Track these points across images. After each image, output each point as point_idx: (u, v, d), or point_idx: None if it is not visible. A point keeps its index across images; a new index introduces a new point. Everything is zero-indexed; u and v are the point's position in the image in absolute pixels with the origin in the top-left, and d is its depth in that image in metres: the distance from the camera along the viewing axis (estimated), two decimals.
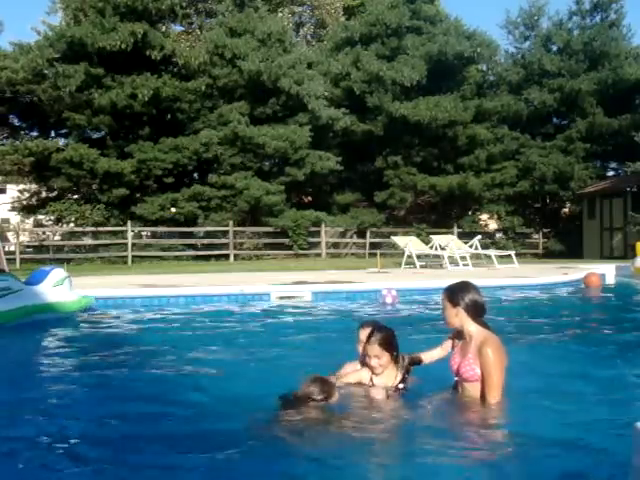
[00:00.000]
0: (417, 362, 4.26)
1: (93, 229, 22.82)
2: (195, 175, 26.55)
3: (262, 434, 3.58)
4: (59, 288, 8.39)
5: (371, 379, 4.10)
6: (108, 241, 22.47)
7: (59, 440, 3.59)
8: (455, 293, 3.92)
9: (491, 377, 3.71)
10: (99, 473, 3.18)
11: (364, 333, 4.19)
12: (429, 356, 4.28)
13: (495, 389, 3.71)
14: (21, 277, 8.85)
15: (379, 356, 4.03)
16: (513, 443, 3.57)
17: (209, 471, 3.15)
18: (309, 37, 35.73)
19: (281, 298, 10.42)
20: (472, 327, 3.85)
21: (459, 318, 3.86)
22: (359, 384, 4.11)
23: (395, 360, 4.11)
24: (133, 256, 22.03)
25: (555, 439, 3.54)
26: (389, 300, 9.90)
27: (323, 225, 24.79)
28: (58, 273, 8.59)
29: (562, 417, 3.93)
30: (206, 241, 23.73)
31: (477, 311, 3.87)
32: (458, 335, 4.03)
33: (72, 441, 3.58)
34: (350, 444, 3.47)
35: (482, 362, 3.72)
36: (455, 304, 3.86)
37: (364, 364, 4.15)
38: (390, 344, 4.07)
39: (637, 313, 9.99)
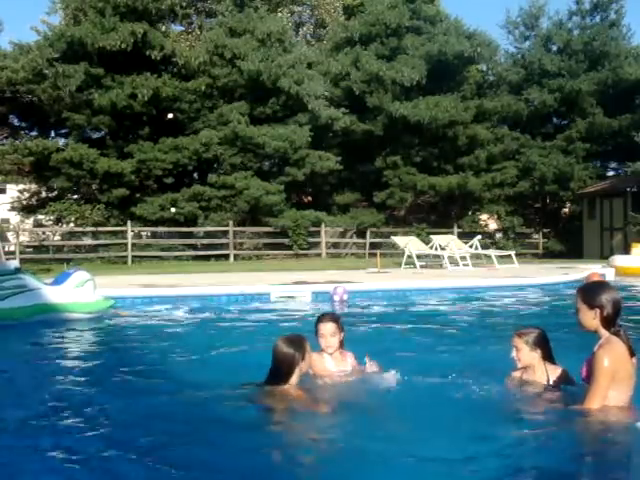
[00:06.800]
0: None
1: (93, 229, 22.77)
2: (195, 175, 26.53)
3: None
4: (79, 290, 8.67)
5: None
6: (108, 241, 22.43)
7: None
8: (593, 293, 3.70)
9: (595, 382, 3.51)
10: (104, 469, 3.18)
11: (324, 327, 4.55)
12: None
13: (595, 395, 3.50)
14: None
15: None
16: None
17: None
18: (309, 37, 35.67)
19: (281, 298, 10.43)
20: (602, 331, 3.62)
21: (596, 321, 3.62)
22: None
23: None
24: (133, 256, 22.01)
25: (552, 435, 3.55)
26: (345, 297, 10.21)
27: (323, 225, 24.77)
28: (80, 275, 8.88)
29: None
30: (206, 241, 23.69)
31: (614, 313, 3.63)
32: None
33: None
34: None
35: (592, 364, 3.55)
36: (592, 306, 3.64)
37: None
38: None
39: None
